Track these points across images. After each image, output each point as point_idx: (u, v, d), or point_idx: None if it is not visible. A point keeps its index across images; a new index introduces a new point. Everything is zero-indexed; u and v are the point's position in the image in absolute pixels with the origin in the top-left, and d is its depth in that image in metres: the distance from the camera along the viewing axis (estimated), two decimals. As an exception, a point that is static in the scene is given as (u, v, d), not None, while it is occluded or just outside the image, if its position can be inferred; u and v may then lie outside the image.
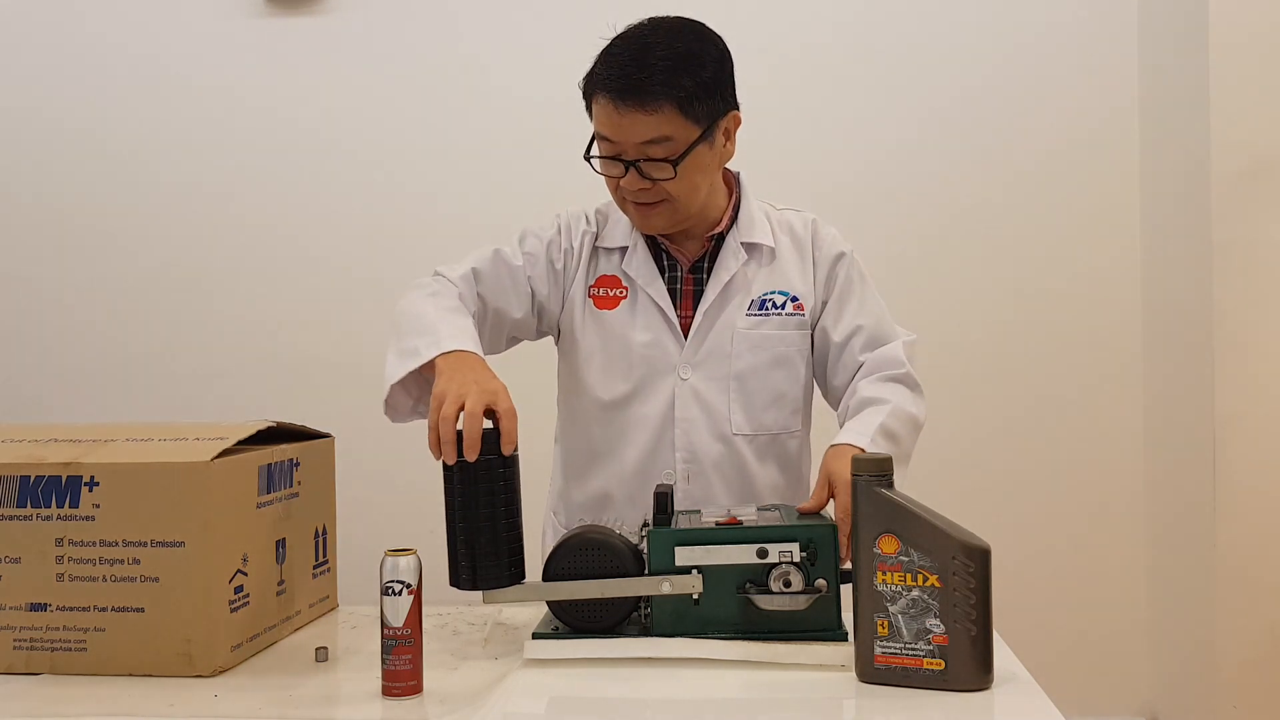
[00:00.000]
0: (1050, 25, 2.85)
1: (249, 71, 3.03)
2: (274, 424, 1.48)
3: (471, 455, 1.30)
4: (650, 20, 1.55)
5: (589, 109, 1.56)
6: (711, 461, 1.63)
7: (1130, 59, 2.84)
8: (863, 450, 1.48)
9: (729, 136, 1.59)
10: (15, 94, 3.11)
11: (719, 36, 1.57)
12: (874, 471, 1.22)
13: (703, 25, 1.57)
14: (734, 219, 1.66)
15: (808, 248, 1.69)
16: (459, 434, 1.30)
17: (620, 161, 1.53)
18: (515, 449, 1.34)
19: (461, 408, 1.32)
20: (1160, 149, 2.75)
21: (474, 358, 1.44)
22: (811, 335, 1.68)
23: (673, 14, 1.57)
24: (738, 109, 1.59)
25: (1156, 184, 2.78)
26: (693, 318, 1.64)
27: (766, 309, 1.65)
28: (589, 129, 1.58)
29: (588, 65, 1.55)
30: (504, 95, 2.97)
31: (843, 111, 2.90)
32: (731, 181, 1.70)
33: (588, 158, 1.57)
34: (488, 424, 1.33)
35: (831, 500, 1.43)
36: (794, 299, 1.66)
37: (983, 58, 2.87)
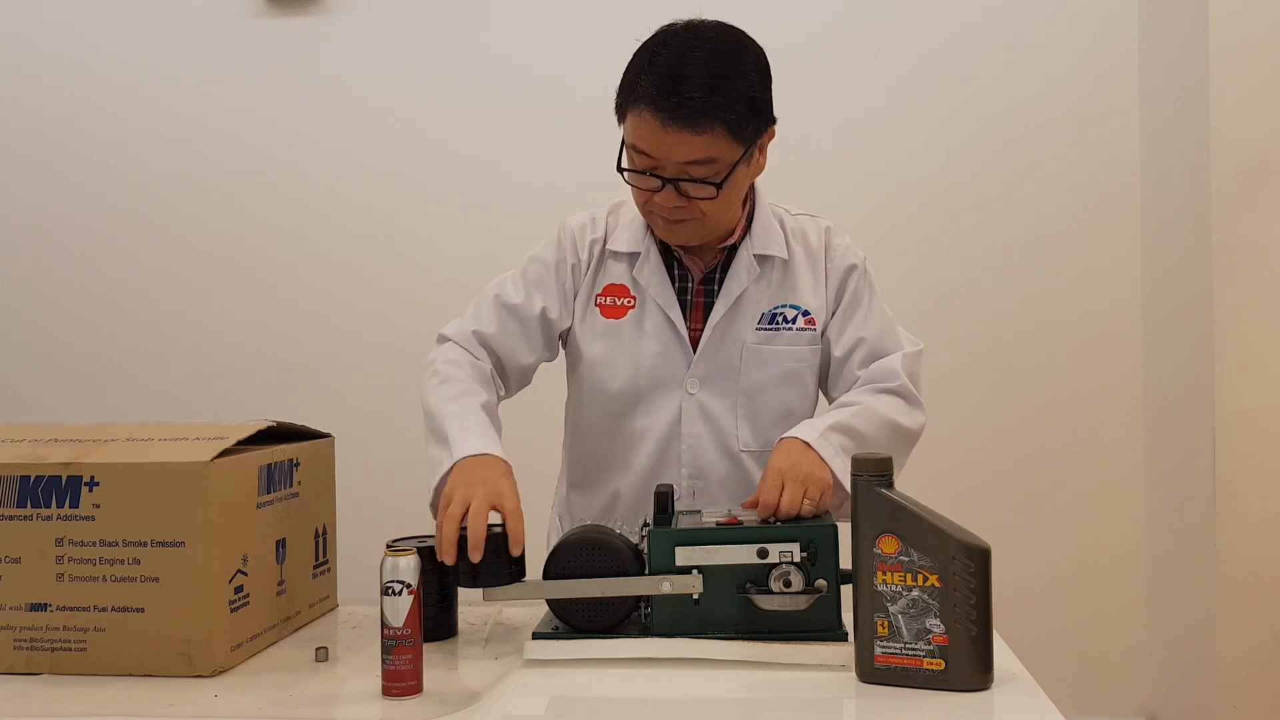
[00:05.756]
0: (1050, 26, 2.85)
1: (249, 71, 3.04)
2: (274, 424, 1.47)
3: (475, 556, 1.31)
4: (688, 27, 1.48)
5: (621, 118, 1.50)
6: (718, 478, 1.62)
7: (1130, 59, 2.84)
8: (808, 443, 1.47)
9: (763, 151, 1.55)
10: (15, 92, 3.11)
11: (758, 44, 1.50)
12: (874, 471, 1.22)
13: (742, 33, 1.50)
14: (747, 229, 1.63)
15: (820, 259, 1.65)
16: (464, 534, 1.33)
17: (657, 177, 1.48)
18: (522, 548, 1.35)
19: (468, 509, 1.33)
20: (1160, 149, 2.75)
21: (485, 459, 1.43)
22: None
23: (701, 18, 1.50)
24: (775, 122, 1.53)
25: (1156, 184, 2.78)
26: (702, 331, 1.61)
27: (777, 324, 1.62)
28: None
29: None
30: (504, 95, 2.97)
31: (839, 112, 2.90)
32: (749, 189, 1.63)
33: (620, 169, 1.52)
34: (496, 521, 1.35)
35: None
36: (805, 313, 1.63)
37: (982, 58, 2.87)
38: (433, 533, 1.43)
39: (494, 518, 1.35)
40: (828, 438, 1.48)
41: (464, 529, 1.33)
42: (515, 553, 1.33)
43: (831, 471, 1.45)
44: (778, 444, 1.49)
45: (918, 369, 1.63)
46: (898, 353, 1.62)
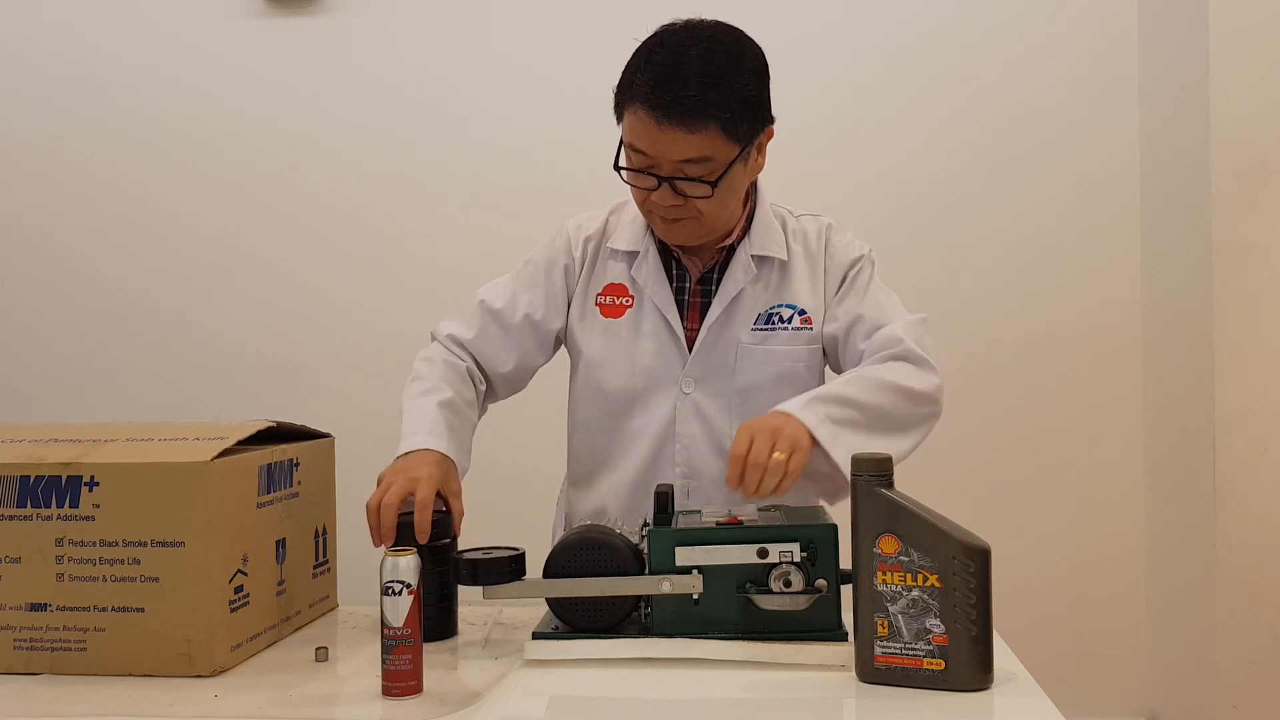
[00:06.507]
0: (1050, 26, 2.85)
1: (249, 71, 3.04)
2: (274, 424, 1.48)
3: (375, 541, 1.40)
4: (686, 26, 1.49)
5: (619, 116, 1.50)
6: (711, 478, 1.61)
7: (1130, 59, 2.84)
8: (790, 414, 1.43)
9: (761, 150, 1.55)
10: (15, 92, 3.11)
11: (757, 44, 1.51)
12: (874, 471, 1.22)
13: (741, 32, 1.51)
14: (746, 229, 1.62)
15: (820, 257, 1.64)
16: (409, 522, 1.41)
17: (653, 176, 1.48)
18: (444, 534, 1.43)
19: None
20: (1160, 149, 2.75)
21: (421, 453, 1.49)
22: (823, 346, 1.64)
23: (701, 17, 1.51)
24: (774, 122, 1.54)
25: (1156, 184, 2.78)
26: (698, 331, 1.61)
27: (773, 323, 1.61)
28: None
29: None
30: (504, 95, 2.97)
31: (839, 112, 2.90)
32: (749, 190, 1.63)
33: (617, 168, 1.52)
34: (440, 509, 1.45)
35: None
36: (801, 312, 1.62)
37: (982, 59, 2.87)
38: (435, 510, 1.45)
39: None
40: (812, 407, 1.44)
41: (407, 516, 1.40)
42: (420, 540, 1.38)
43: (817, 440, 1.41)
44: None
45: (923, 334, 1.57)
46: (898, 320, 1.58)
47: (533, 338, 1.67)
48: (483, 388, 1.67)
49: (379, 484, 1.44)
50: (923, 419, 1.54)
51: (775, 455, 1.36)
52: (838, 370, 1.66)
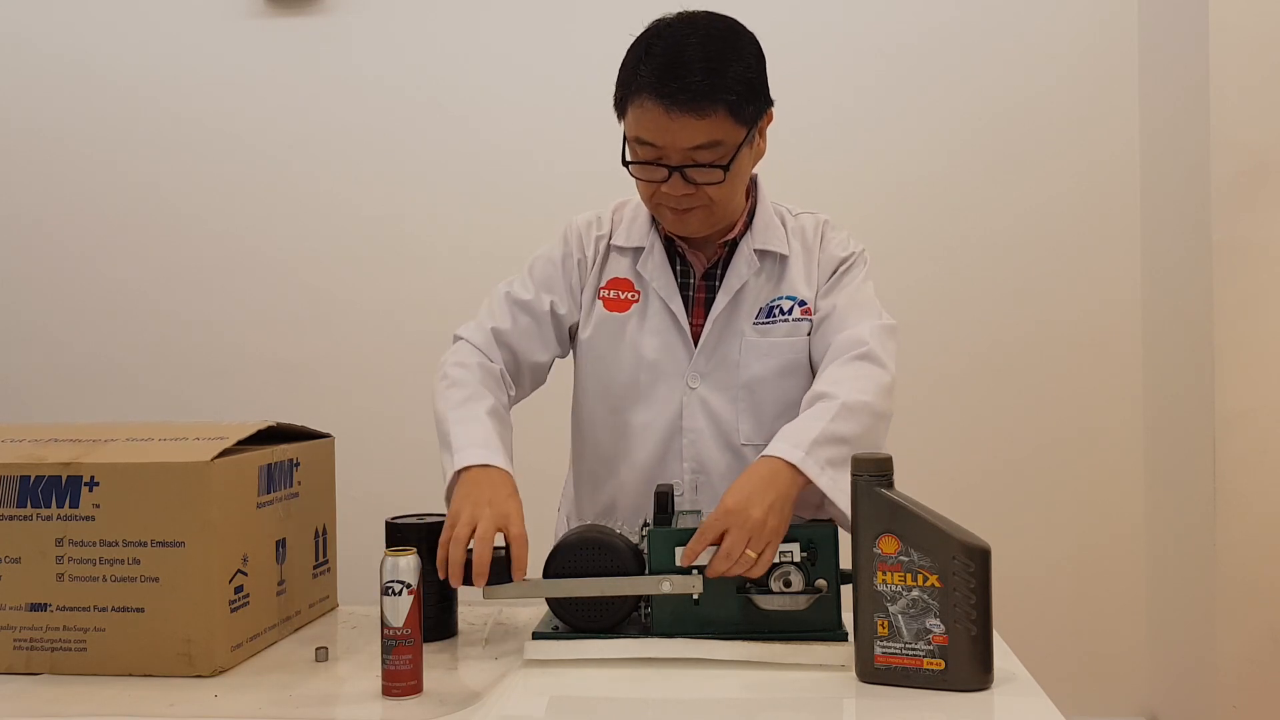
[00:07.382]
0: (1050, 26, 2.86)
1: (249, 71, 3.04)
2: (274, 424, 1.48)
3: (480, 582, 1.32)
4: (680, 17, 1.50)
5: (621, 112, 1.50)
6: (719, 472, 1.60)
7: (1130, 59, 2.84)
8: (794, 466, 1.38)
9: (763, 134, 1.56)
10: (15, 92, 3.11)
11: (749, 30, 1.52)
12: (874, 471, 1.22)
13: (732, 19, 1.52)
14: (748, 224, 1.63)
15: (815, 251, 1.65)
16: (469, 556, 1.33)
17: (663, 167, 1.48)
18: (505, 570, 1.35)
19: (474, 531, 1.33)
20: (1160, 149, 2.75)
21: (492, 473, 1.43)
22: None
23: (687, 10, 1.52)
24: (773, 104, 1.55)
25: (1156, 184, 2.78)
26: (703, 326, 1.61)
27: (774, 316, 1.61)
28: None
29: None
30: (504, 95, 2.97)
31: (839, 112, 2.90)
32: (750, 185, 1.65)
33: (625, 163, 1.52)
34: (499, 544, 1.35)
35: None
36: (801, 303, 1.62)
37: (982, 59, 2.87)
38: (431, 512, 1.45)
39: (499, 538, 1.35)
40: (814, 454, 1.40)
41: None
42: (516, 578, 1.33)
43: (814, 484, 1.39)
44: (754, 463, 1.42)
45: (888, 340, 1.56)
46: (867, 323, 1.57)
47: (557, 330, 1.67)
48: (513, 392, 1.65)
49: (449, 516, 1.37)
50: (886, 429, 1.53)
51: (747, 552, 1.31)
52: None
